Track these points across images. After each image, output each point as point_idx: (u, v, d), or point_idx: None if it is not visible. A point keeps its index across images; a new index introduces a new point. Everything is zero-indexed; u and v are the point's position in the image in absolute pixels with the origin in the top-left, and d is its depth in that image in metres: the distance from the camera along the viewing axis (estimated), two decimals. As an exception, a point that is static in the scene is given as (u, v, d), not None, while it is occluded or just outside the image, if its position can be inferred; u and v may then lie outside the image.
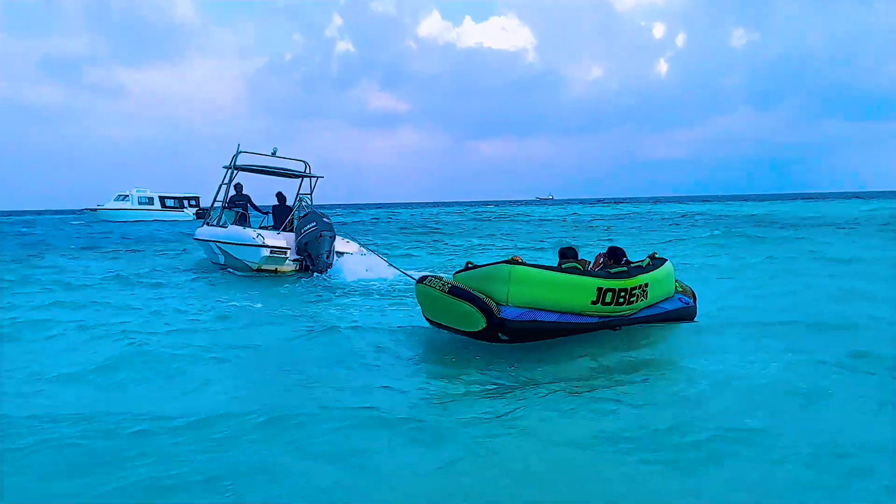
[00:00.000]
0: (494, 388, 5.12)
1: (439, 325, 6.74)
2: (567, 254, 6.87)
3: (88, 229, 36.00)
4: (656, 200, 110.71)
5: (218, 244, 13.70)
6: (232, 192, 14.55)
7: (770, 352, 5.98)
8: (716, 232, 23.81)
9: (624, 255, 7.15)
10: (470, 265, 6.77)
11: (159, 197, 49.87)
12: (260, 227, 14.28)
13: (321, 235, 12.23)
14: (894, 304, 8.57)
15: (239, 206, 14.55)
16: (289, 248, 12.59)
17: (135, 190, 49.69)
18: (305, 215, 12.78)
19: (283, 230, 13.21)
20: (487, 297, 6.29)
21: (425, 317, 6.90)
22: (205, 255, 15.26)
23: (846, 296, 9.16)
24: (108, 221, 45.56)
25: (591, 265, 7.02)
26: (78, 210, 56.20)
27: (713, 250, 17.29)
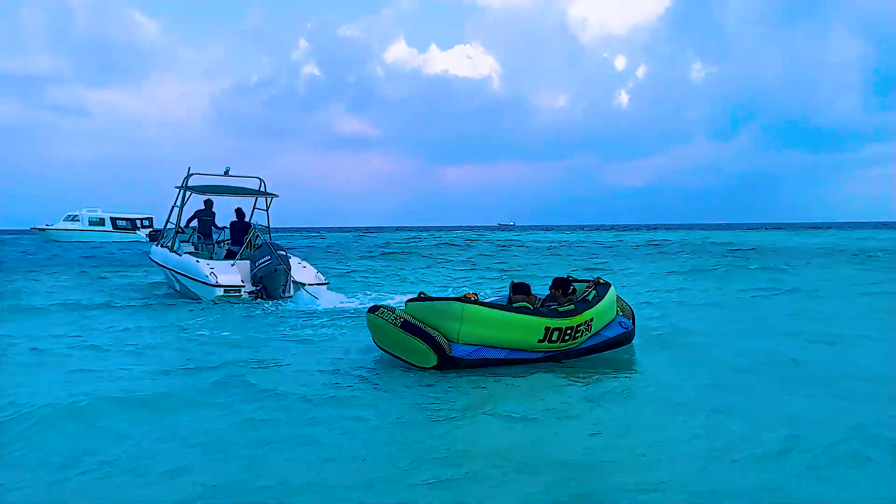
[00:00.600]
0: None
1: (389, 354, 6.92)
2: (519, 290, 6.97)
3: (37, 251, 35.01)
4: (624, 227, 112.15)
5: (174, 273, 13.55)
6: (201, 206, 14.46)
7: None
8: (706, 262, 23.62)
9: (570, 283, 7.29)
10: (422, 295, 6.95)
11: (111, 218, 48.81)
12: (216, 243, 14.15)
13: (276, 270, 12.16)
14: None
15: (206, 222, 14.46)
16: (242, 286, 12.34)
17: (85, 210, 48.67)
18: (260, 247, 12.65)
19: (240, 257, 13.07)
20: (439, 333, 6.44)
21: (375, 343, 7.09)
22: (162, 279, 15.04)
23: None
24: (57, 242, 44.41)
25: (541, 300, 7.14)
26: (27, 230, 54.81)
27: (698, 282, 16.90)
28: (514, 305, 6.74)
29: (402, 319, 6.62)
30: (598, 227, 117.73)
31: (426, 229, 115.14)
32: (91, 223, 48.17)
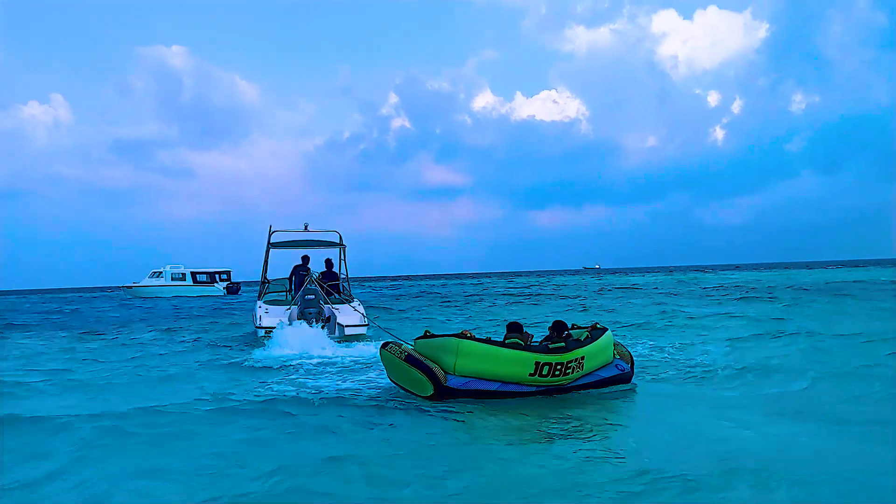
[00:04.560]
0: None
1: (399, 386, 8.23)
2: (513, 328, 8.14)
3: (127, 306, 38.75)
4: (723, 268, 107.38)
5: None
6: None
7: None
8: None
9: (566, 327, 8.44)
10: (428, 333, 8.20)
11: (191, 272, 54.26)
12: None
13: (303, 313, 14.44)
14: None
15: (301, 276, 16.01)
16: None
17: (168, 266, 54.46)
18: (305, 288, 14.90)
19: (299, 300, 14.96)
20: (438, 365, 7.66)
21: (389, 377, 8.44)
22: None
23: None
24: (143, 298, 49.27)
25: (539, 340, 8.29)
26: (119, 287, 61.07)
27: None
28: (506, 342, 7.86)
29: (406, 353, 7.92)
30: (691, 268, 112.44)
31: (518, 275, 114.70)
32: (173, 278, 53.53)
